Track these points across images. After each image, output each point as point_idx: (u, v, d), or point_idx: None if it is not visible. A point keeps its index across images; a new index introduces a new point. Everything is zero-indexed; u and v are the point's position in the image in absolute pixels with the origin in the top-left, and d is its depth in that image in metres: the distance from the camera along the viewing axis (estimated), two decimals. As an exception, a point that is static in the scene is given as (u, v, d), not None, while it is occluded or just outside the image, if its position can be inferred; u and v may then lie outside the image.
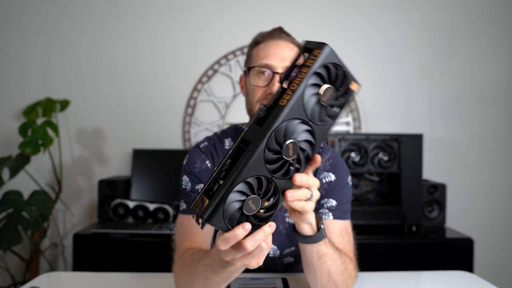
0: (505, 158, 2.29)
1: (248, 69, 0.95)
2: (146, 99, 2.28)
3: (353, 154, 1.88)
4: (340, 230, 0.93)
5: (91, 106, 2.27)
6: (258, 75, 0.94)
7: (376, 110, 2.28)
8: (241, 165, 0.50)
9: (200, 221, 0.51)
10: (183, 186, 0.99)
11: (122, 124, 2.27)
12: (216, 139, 1.04)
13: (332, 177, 0.98)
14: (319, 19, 2.27)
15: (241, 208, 0.52)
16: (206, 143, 1.03)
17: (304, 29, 2.27)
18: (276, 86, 0.90)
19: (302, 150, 0.56)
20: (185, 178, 0.99)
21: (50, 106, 2.12)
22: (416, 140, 1.90)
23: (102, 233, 1.77)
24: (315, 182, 0.62)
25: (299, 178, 0.57)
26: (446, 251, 1.79)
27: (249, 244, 0.54)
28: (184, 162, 1.01)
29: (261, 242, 0.55)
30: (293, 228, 0.75)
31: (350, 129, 2.26)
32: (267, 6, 2.26)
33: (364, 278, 1.02)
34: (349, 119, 2.26)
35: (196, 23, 2.27)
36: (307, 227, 0.72)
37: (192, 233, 0.93)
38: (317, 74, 0.53)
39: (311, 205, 0.64)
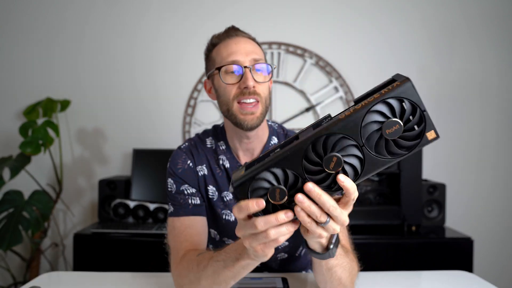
0: (505, 158, 2.29)
1: (218, 69, 0.94)
2: (146, 99, 2.28)
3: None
4: None
5: (91, 106, 2.27)
6: (229, 74, 0.93)
7: (376, 110, 2.28)
8: (282, 152, 0.54)
9: (231, 186, 0.57)
10: (169, 189, 1.00)
11: (122, 124, 2.28)
12: (197, 139, 1.06)
13: None
14: (319, 19, 2.27)
15: (267, 190, 0.55)
16: (187, 143, 1.05)
17: (304, 29, 2.27)
18: (249, 79, 0.90)
19: (345, 172, 0.54)
20: (169, 180, 1.00)
21: (50, 106, 2.13)
22: (416, 140, 1.90)
23: (103, 233, 1.78)
24: (332, 209, 0.55)
25: (309, 187, 0.53)
26: (445, 251, 1.79)
27: (259, 223, 0.55)
28: (168, 165, 1.02)
29: (271, 226, 0.55)
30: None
31: (350, 129, 2.25)
32: (267, 6, 2.26)
33: (364, 278, 1.02)
34: (349, 119, 2.26)
35: (196, 22, 2.27)
36: (315, 244, 0.67)
37: (188, 234, 0.93)
38: (388, 104, 0.51)
39: (320, 232, 0.58)
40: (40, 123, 2.06)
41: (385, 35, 2.28)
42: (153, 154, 2.07)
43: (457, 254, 1.80)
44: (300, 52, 2.26)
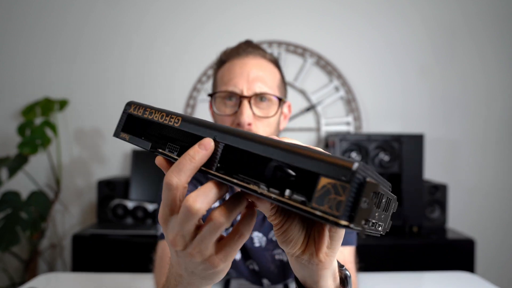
0: (506, 158, 2.28)
1: (210, 96, 0.82)
2: (146, 99, 2.27)
3: (354, 154, 1.87)
4: (344, 259, 0.78)
5: (90, 105, 2.26)
6: (223, 102, 0.81)
7: (377, 110, 2.28)
8: None
9: None
10: None
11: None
12: None
13: None
14: (320, 18, 2.26)
15: None
16: None
17: (304, 28, 2.26)
18: (244, 114, 0.76)
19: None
20: None
21: (48, 106, 2.11)
22: (417, 140, 1.89)
23: (101, 234, 1.76)
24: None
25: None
26: (447, 252, 1.78)
27: (196, 201, 0.34)
28: None
29: (206, 199, 0.35)
30: None
31: (351, 129, 2.25)
32: (266, 6, 2.25)
33: (365, 279, 1.01)
34: (350, 119, 2.25)
35: (196, 22, 2.26)
36: (328, 279, 0.46)
37: None
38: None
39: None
40: (38, 123, 2.04)
41: (386, 35, 2.27)
42: (153, 154, 2.05)
43: (459, 255, 1.79)
44: (300, 51, 2.24)
